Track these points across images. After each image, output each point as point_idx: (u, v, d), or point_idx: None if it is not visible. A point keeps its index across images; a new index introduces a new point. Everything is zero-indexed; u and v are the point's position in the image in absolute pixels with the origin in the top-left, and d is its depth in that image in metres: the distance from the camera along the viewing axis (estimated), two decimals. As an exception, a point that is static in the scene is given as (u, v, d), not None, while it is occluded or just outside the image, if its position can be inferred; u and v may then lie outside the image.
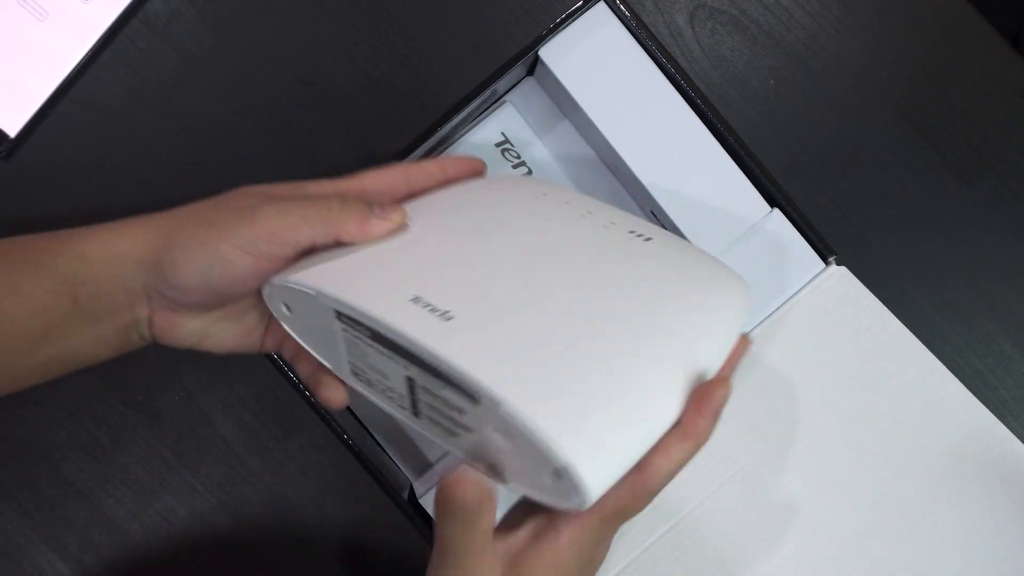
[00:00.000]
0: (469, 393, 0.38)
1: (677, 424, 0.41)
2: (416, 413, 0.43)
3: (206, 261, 0.45)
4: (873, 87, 0.62)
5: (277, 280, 0.45)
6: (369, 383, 0.45)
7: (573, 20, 0.57)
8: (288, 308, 0.46)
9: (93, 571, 0.61)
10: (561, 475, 0.36)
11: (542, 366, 0.38)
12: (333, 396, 0.49)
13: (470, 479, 0.40)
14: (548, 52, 0.57)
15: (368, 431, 0.60)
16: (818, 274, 0.57)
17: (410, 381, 0.42)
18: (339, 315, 0.43)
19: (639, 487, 0.41)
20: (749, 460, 0.56)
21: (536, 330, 0.39)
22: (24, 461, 0.61)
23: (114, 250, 0.47)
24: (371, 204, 0.46)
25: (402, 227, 0.46)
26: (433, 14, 0.62)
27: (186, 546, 0.61)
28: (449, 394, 0.40)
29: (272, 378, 0.57)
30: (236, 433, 0.61)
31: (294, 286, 0.44)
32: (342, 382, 0.48)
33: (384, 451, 0.59)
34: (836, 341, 0.57)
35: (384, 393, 0.44)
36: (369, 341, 0.42)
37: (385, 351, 0.42)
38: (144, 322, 0.48)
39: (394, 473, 0.58)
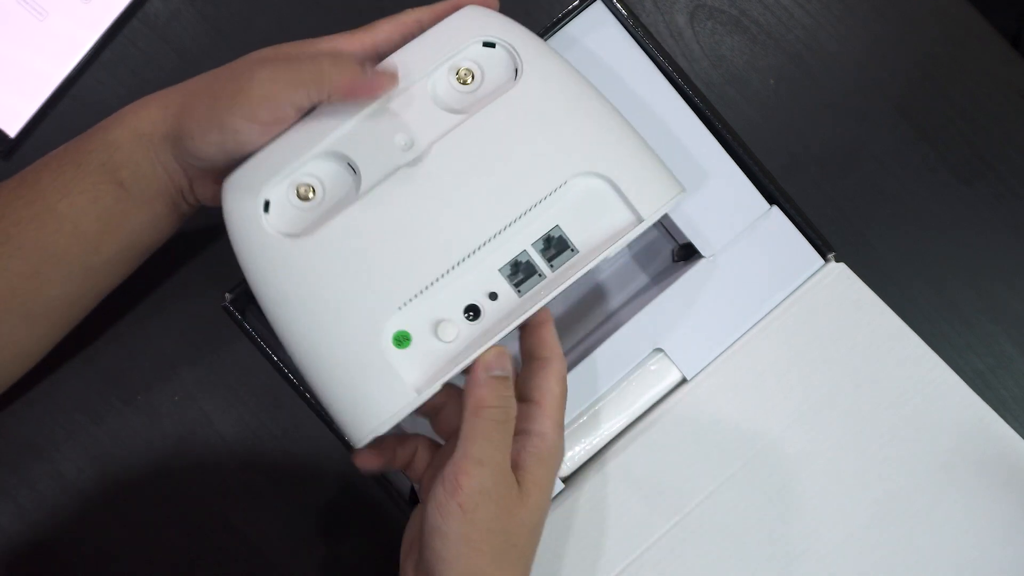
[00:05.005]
0: None
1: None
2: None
3: (217, 135, 0.47)
4: (873, 87, 0.62)
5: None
6: None
7: (570, 19, 0.57)
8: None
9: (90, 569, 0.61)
10: None
11: None
12: None
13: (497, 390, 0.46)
14: (547, 51, 0.57)
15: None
16: (817, 271, 0.57)
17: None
18: None
19: (562, 370, 0.49)
20: (749, 457, 0.56)
21: None
22: (24, 461, 0.61)
23: (139, 131, 0.50)
24: (364, 64, 0.47)
25: (394, 88, 0.48)
26: (432, 13, 0.62)
27: (188, 548, 0.61)
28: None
29: (272, 378, 0.57)
30: (236, 433, 0.61)
31: None
32: None
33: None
34: (835, 338, 0.57)
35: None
36: None
37: None
38: (187, 190, 0.52)
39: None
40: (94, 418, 0.61)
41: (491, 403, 0.46)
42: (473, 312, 0.48)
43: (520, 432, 0.48)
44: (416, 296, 0.47)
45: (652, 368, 0.57)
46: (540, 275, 0.49)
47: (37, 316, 0.53)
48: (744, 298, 0.57)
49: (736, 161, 0.58)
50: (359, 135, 0.48)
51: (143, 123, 0.50)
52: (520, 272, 0.49)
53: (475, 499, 0.45)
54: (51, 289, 0.52)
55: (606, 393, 0.57)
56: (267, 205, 0.48)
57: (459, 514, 0.45)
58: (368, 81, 0.47)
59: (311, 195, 0.49)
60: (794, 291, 0.57)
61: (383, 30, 0.51)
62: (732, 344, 0.57)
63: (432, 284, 0.47)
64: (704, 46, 0.62)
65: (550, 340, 0.50)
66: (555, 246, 0.49)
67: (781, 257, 0.57)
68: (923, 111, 0.62)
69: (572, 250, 0.49)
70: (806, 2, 0.62)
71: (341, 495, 0.61)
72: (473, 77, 0.50)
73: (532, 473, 0.47)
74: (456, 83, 0.50)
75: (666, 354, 0.57)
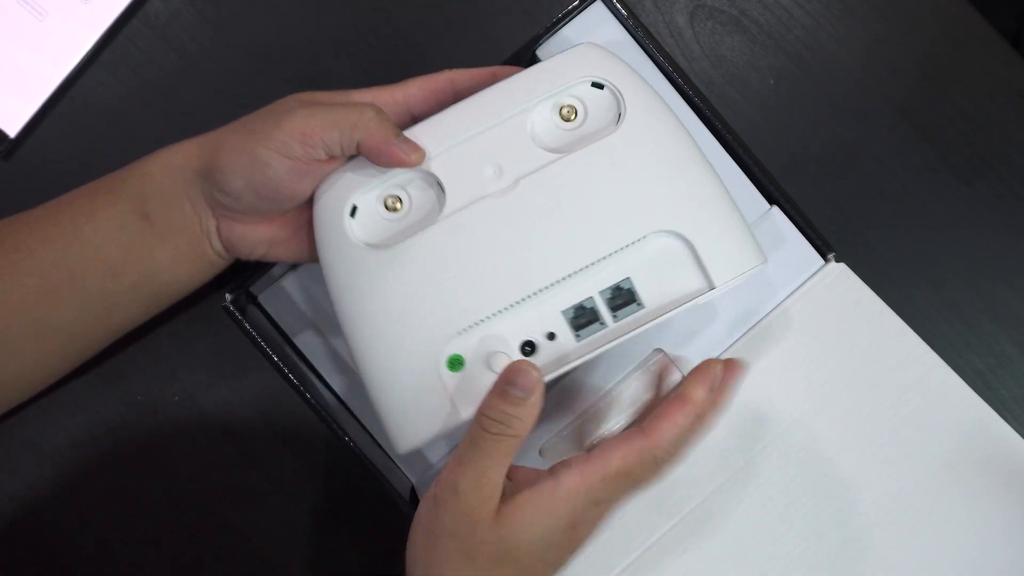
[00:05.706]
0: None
1: (677, 391, 0.46)
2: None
3: (247, 164, 0.48)
4: (873, 87, 0.62)
5: None
6: None
7: (570, 19, 0.57)
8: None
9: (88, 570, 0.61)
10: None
11: None
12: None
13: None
14: (545, 52, 0.57)
15: (369, 432, 0.60)
16: (817, 271, 0.57)
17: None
18: None
19: (645, 450, 0.45)
20: (749, 458, 0.56)
21: None
22: (24, 461, 0.61)
23: (172, 164, 0.51)
24: (399, 132, 0.48)
25: (417, 165, 0.49)
26: (432, 13, 0.62)
27: (188, 548, 0.61)
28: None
29: (272, 378, 0.57)
30: (236, 433, 0.61)
31: None
32: None
33: (385, 452, 0.59)
34: (836, 338, 0.57)
35: None
36: None
37: None
38: (213, 233, 0.52)
39: (395, 473, 0.58)
40: (95, 419, 0.61)
41: (487, 413, 0.46)
42: (529, 347, 0.49)
43: (550, 470, 0.47)
44: (478, 323, 0.48)
45: (652, 368, 0.57)
46: (602, 323, 0.49)
47: (47, 337, 0.53)
48: (744, 298, 0.57)
49: (736, 161, 0.58)
50: (453, 158, 0.49)
51: (177, 157, 0.51)
52: (583, 317, 0.49)
53: (446, 493, 0.45)
54: (65, 311, 0.52)
55: (606, 393, 0.57)
56: (354, 210, 0.50)
57: (431, 503, 0.46)
58: (397, 149, 0.48)
59: (398, 207, 0.50)
60: (794, 291, 0.57)
61: (414, 86, 0.51)
62: (732, 344, 0.57)
63: (495, 315, 0.48)
64: (704, 46, 0.62)
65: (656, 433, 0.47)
66: (622, 298, 0.49)
67: (781, 257, 0.57)
68: (923, 111, 0.62)
69: (638, 304, 0.49)
70: (806, 2, 0.62)
71: (341, 495, 0.61)
72: (576, 115, 0.50)
73: (520, 508, 0.45)
74: (558, 119, 0.50)
75: (666, 354, 0.57)
